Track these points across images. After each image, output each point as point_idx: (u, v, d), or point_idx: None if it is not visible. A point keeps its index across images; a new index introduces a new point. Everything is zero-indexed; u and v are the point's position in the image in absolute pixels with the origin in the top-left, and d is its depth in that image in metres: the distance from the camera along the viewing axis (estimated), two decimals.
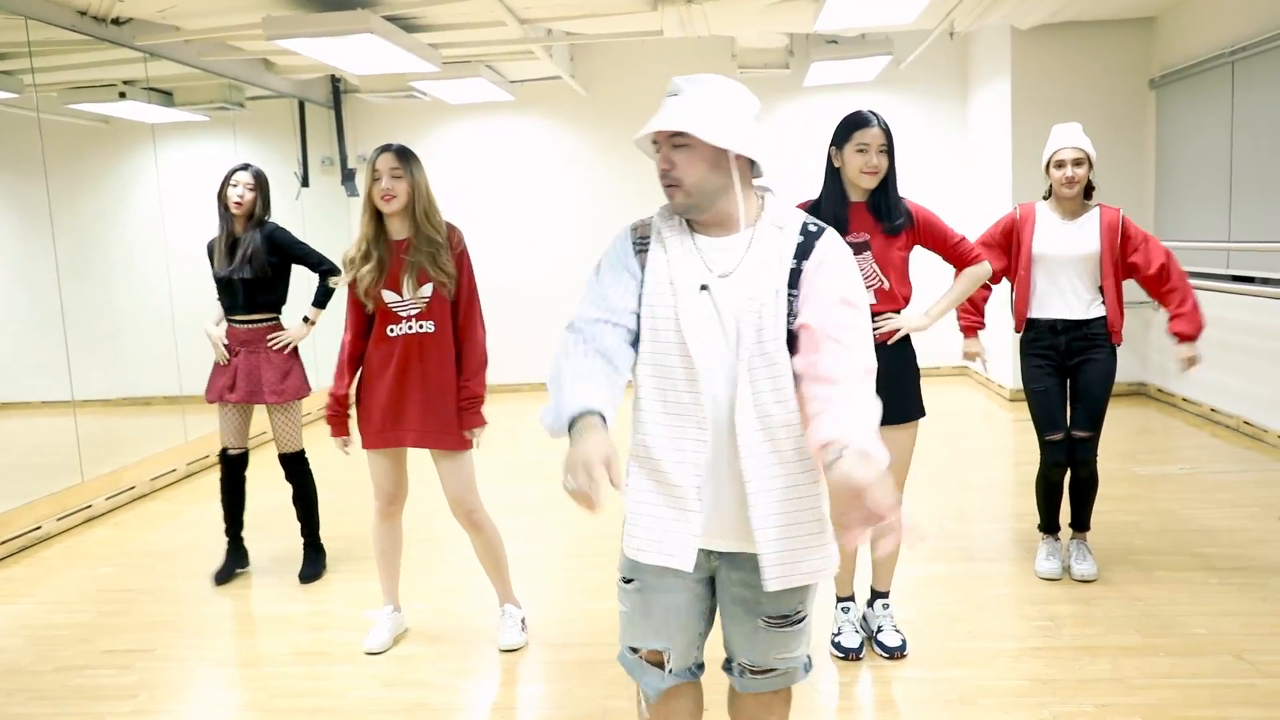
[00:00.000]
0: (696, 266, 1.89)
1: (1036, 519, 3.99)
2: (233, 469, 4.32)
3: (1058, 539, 3.96)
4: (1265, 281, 5.55)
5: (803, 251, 1.88)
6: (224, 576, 4.28)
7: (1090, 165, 3.69)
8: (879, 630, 3.31)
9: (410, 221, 3.29)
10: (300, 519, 4.37)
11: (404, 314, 3.28)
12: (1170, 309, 3.70)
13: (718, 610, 2.04)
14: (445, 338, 3.31)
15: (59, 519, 5.11)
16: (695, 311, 1.86)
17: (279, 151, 8.00)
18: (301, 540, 4.37)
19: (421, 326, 3.28)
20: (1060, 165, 3.68)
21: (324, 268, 4.28)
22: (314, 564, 4.31)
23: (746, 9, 6.01)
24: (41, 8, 5.13)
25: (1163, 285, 3.70)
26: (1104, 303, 3.71)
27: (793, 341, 1.84)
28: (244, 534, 4.40)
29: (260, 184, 4.19)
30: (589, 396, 1.78)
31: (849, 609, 3.36)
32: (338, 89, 8.62)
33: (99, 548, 4.88)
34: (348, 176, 8.60)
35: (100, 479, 5.47)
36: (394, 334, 3.29)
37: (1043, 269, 3.73)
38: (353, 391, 3.46)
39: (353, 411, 3.45)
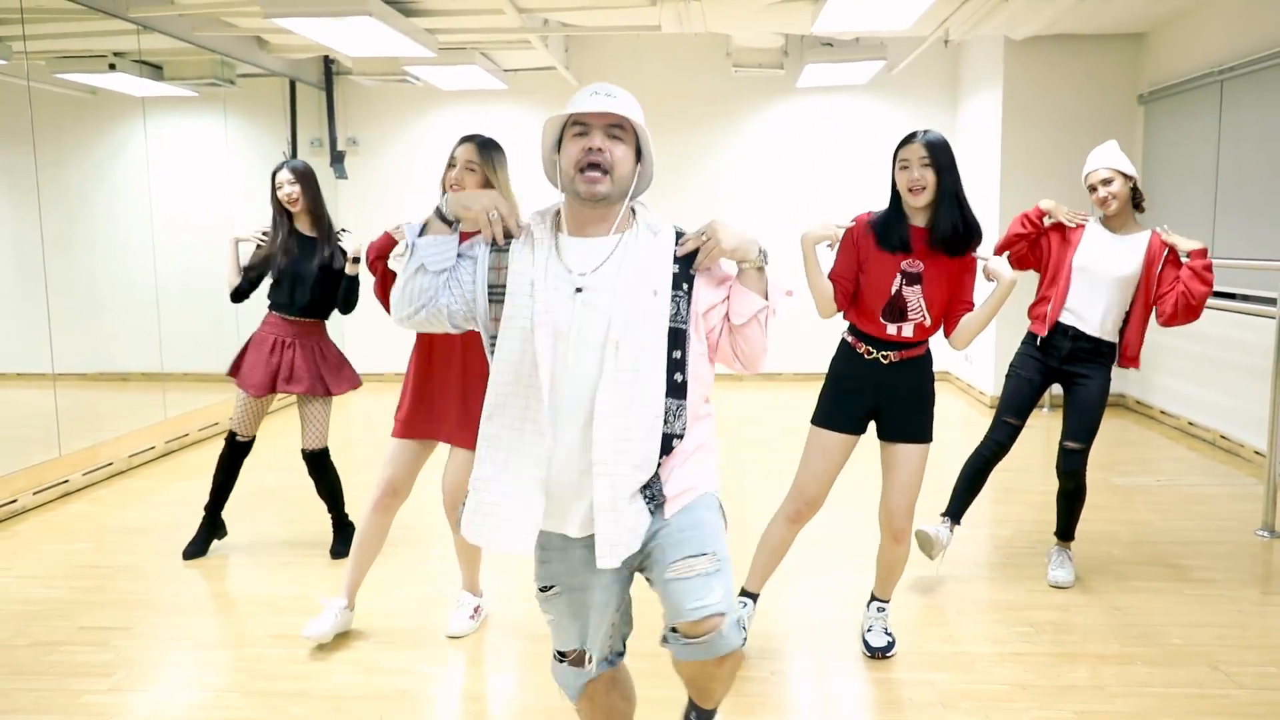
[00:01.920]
0: (556, 267, 1.97)
1: (1018, 525, 4.03)
2: (236, 454, 4.29)
3: (951, 530, 3.94)
4: (1246, 298, 5.61)
5: (685, 257, 2.01)
6: (195, 551, 4.26)
7: (1126, 179, 3.68)
8: (868, 629, 3.33)
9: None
10: (328, 505, 4.37)
11: None
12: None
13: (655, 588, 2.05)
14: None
15: (35, 493, 5.05)
16: (559, 313, 1.93)
17: (268, 130, 7.94)
18: (330, 521, 4.39)
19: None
20: (1093, 188, 3.72)
21: (351, 290, 4.18)
22: (348, 541, 4.19)
23: (745, 8, 6.02)
24: None
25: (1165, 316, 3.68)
26: (1122, 329, 3.72)
27: (677, 340, 1.97)
28: (223, 514, 4.38)
29: (301, 177, 4.10)
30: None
31: (884, 609, 3.38)
32: (330, 70, 8.55)
33: (75, 523, 4.83)
34: (336, 158, 8.54)
35: (78, 454, 5.41)
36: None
37: (1082, 280, 3.71)
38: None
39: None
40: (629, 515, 1.94)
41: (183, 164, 6.61)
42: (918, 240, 3.01)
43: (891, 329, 3.06)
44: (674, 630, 1.98)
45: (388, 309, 3.34)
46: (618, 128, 1.96)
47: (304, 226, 4.15)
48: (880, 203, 3.13)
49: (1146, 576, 3.95)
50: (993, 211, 7.39)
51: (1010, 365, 3.92)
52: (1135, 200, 3.73)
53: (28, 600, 3.83)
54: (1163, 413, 6.89)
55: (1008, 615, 3.61)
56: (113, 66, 6.07)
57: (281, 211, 4.12)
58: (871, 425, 3.21)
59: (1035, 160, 7.31)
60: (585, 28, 6.86)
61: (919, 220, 3.02)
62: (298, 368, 4.13)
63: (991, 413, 4.05)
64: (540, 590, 2.12)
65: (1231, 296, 5.78)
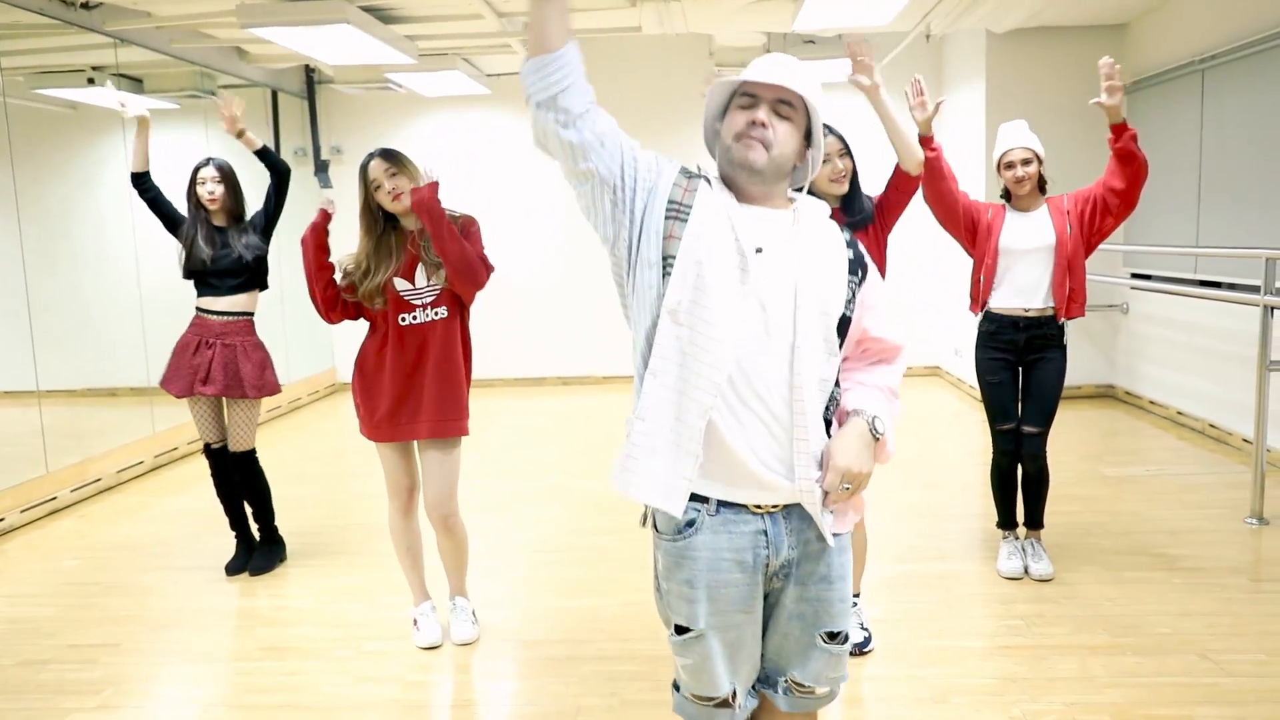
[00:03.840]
0: (730, 232, 1.77)
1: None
2: (220, 462, 4.27)
3: (1017, 536, 4.01)
4: (1232, 287, 5.62)
5: (855, 248, 1.89)
6: (235, 568, 4.26)
7: (1040, 161, 3.78)
8: None
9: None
10: (254, 514, 4.34)
11: (418, 302, 3.27)
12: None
13: (767, 629, 1.92)
14: (454, 324, 3.32)
15: (22, 510, 5.03)
16: (736, 281, 1.74)
17: None
18: (256, 536, 4.37)
19: (435, 314, 3.29)
20: (1010, 166, 3.79)
21: (270, 154, 4.25)
22: (269, 557, 4.29)
23: (725, 7, 6.02)
24: None
25: (1112, 184, 3.70)
26: (1055, 294, 3.76)
27: (843, 327, 1.82)
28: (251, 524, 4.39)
29: (225, 176, 4.14)
30: None
31: (855, 603, 3.38)
32: (312, 79, 8.54)
33: (63, 540, 4.81)
34: (320, 168, 8.53)
35: (65, 470, 5.39)
36: (406, 323, 3.27)
37: (1006, 261, 3.80)
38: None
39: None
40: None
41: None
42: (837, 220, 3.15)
43: None
44: (789, 682, 1.89)
45: (322, 310, 3.37)
46: (787, 104, 1.80)
47: (219, 220, 4.15)
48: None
49: (1135, 566, 3.96)
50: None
51: (978, 374, 3.95)
52: (1041, 180, 3.81)
53: (15, 619, 3.81)
54: (1152, 403, 6.90)
55: (996, 609, 3.61)
56: (92, 81, 6.05)
57: (198, 206, 4.12)
58: None
59: None
60: None
61: (832, 203, 3.18)
62: (214, 371, 4.10)
63: (980, 405, 4.06)
64: (679, 632, 1.85)
65: (1217, 285, 5.79)
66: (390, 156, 3.29)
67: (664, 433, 1.75)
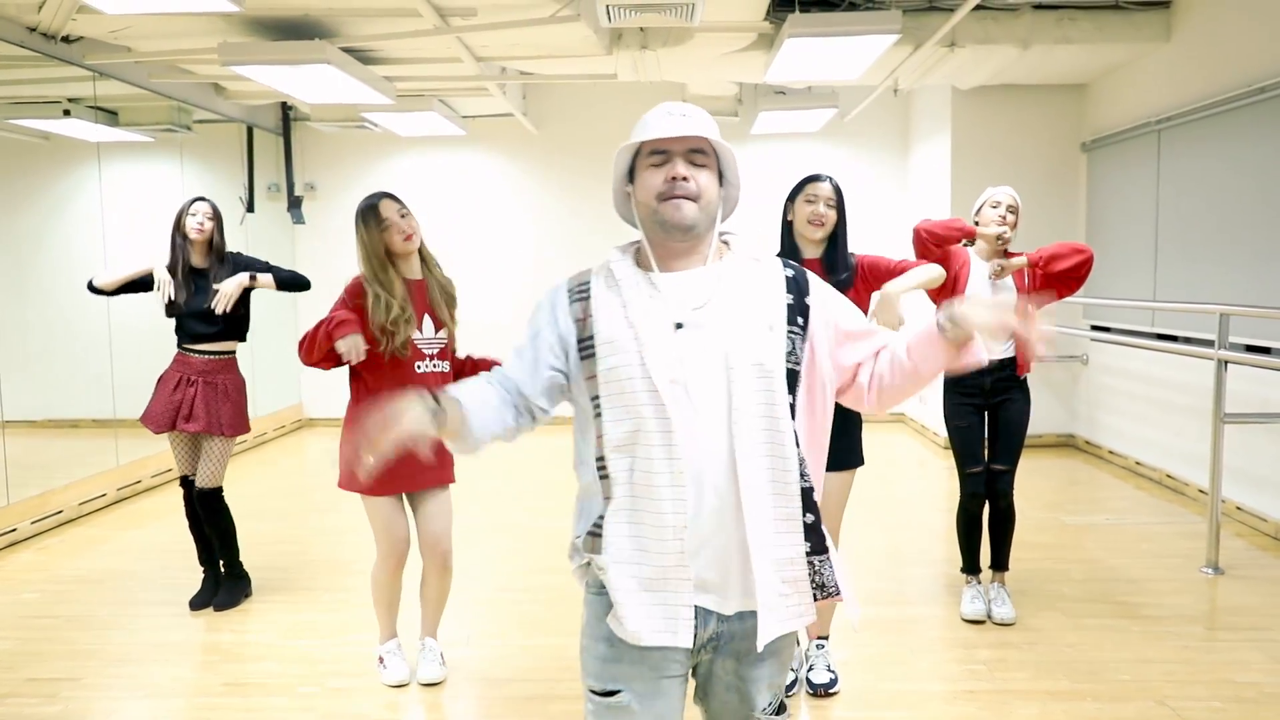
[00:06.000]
0: (658, 305, 1.71)
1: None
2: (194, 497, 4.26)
3: (980, 581, 4.06)
4: (1188, 340, 5.77)
5: (796, 287, 1.78)
6: (200, 602, 4.22)
7: (1018, 219, 3.89)
8: (809, 669, 3.36)
9: (420, 262, 3.33)
10: (220, 550, 4.30)
11: (428, 352, 3.29)
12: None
13: (702, 701, 1.86)
14: (450, 379, 3.28)
15: None
16: (670, 353, 1.67)
17: (225, 176, 7.93)
18: (222, 570, 4.33)
19: (438, 366, 3.31)
20: (996, 205, 3.88)
21: (281, 273, 4.22)
22: (233, 593, 4.26)
23: (699, 57, 6.15)
24: None
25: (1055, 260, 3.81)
26: (1016, 349, 3.86)
27: (793, 383, 1.71)
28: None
29: (217, 216, 4.19)
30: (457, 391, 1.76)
31: (823, 645, 3.41)
32: (288, 116, 8.58)
33: (23, 573, 4.73)
34: (294, 204, 8.54)
35: (26, 502, 5.32)
36: (423, 370, 3.26)
37: None
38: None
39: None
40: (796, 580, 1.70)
41: (138, 209, 6.58)
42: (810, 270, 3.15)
43: None
44: None
45: (316, 363, 3.35)
46: (699, 152, 1.74)
47: (199, 259, 4.16)
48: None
49: (1096, 614, 4.02)
50: None
51: (946, 419, 4.02)
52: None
53: None
54: (1111, 452, 7.03)
55: (959, 653, 3.66)
56: (68, 113, 6.06)
57: (184, 238, 4.12)
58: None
59: None
60: (542, 76, 6.96)
61: (810, 252, 3.22)
62: (196, 407, 4.11)
63: (945, 453, 4.13)
64: (598, 694, 1.76)
65: (1173, 339, 5.95)
66: (396, 198, 3.32)
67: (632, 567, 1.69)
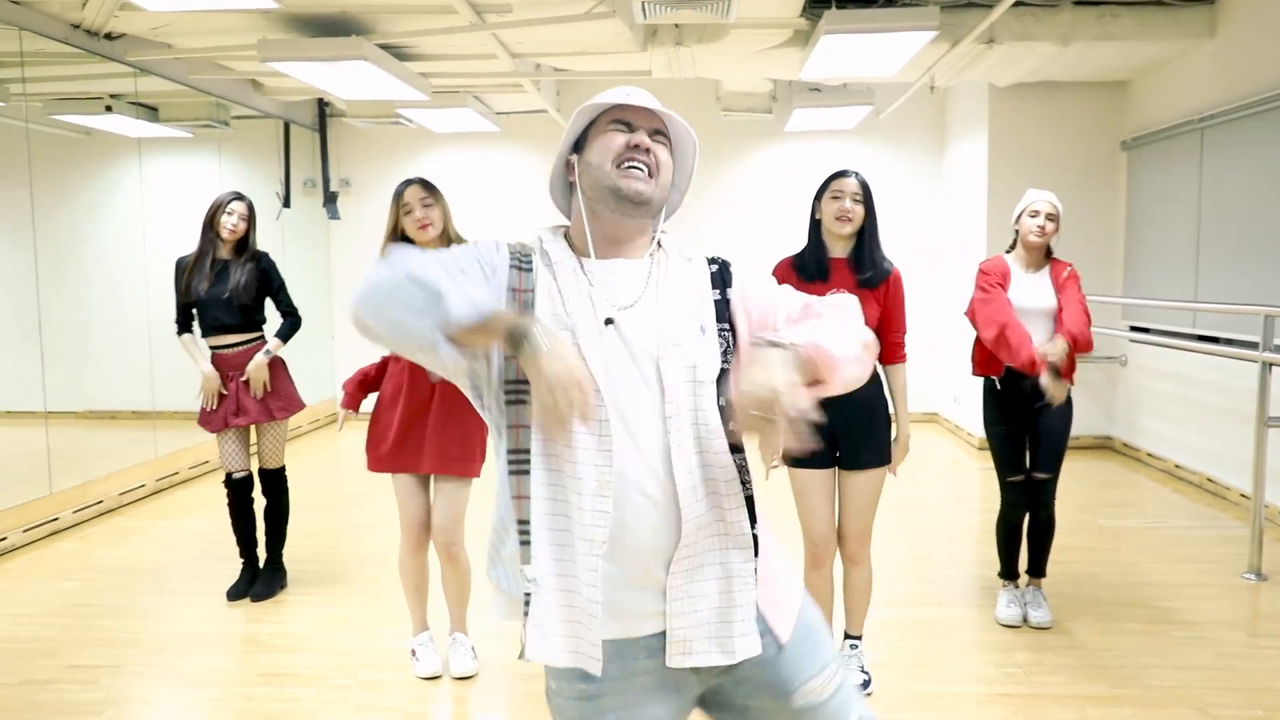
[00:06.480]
0: (585, 297, 1.58)
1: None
2: (241, 493, 4.30)
3: (1018, 586, 4.02)
4: (1230, 342, 5.68)
5: (720, 281, 1.68)
6: (236, 593, 4.26)
7: (1058, 226, 3.81)
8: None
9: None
10: (268, 535, 4.37)
11: None
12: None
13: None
14: None
15: (25, 530, 5.04)
16: (599, 352, 1.54)
17: (262, 171, 8.01)
18: (260, 562, 4.38)
19: None
20: (1034, 214, 3.80)
21: (289, 318, 4.33)
22: (270, 583, 4.31)
23: (735, 54, 6.13)
24: (36, 19, 5.14)
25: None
26: None
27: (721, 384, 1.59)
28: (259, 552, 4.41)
29: (252, 215, 4.25)
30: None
31: (856, 646, 3.39)
32: (324, 112, 8.65)
33: (65, 561, 4.81)
34: (329, 199, 8.61)
35: (68, 492, 5.41)
36: None
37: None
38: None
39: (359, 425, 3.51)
40: (739, 604, 1.56)
41: (177, 204, 6.66)
42: (837, 270, 3.15)
43: None
44: None
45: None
46: (661, 134, 1.65)
47: (227, 253, 4.22)
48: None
49: (1133, 618, 3.97)
50: (977, 254, 7.47)
51: (985, 425, 3.96)
52: (1048, 246, 3.88)
53: (16, 638, 3.81)
54: (1149, 455, 6.93)
55: (994, 656, 3.62)
56: (109, 108, 6.14)
57: (215, 234, 4.19)
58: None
59: None
60: (577, 73, 6.97)
61: (838, 251, 3.19)
62: (244, 401, 4.21)
63: (979, 453, 4.08)
64: (568, 683, 1.60)
65: (1215, 340, 5.85)
66: (428, 186, 3.36)
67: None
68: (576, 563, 1.51)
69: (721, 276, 1.68)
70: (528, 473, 1.54)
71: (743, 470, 1.58)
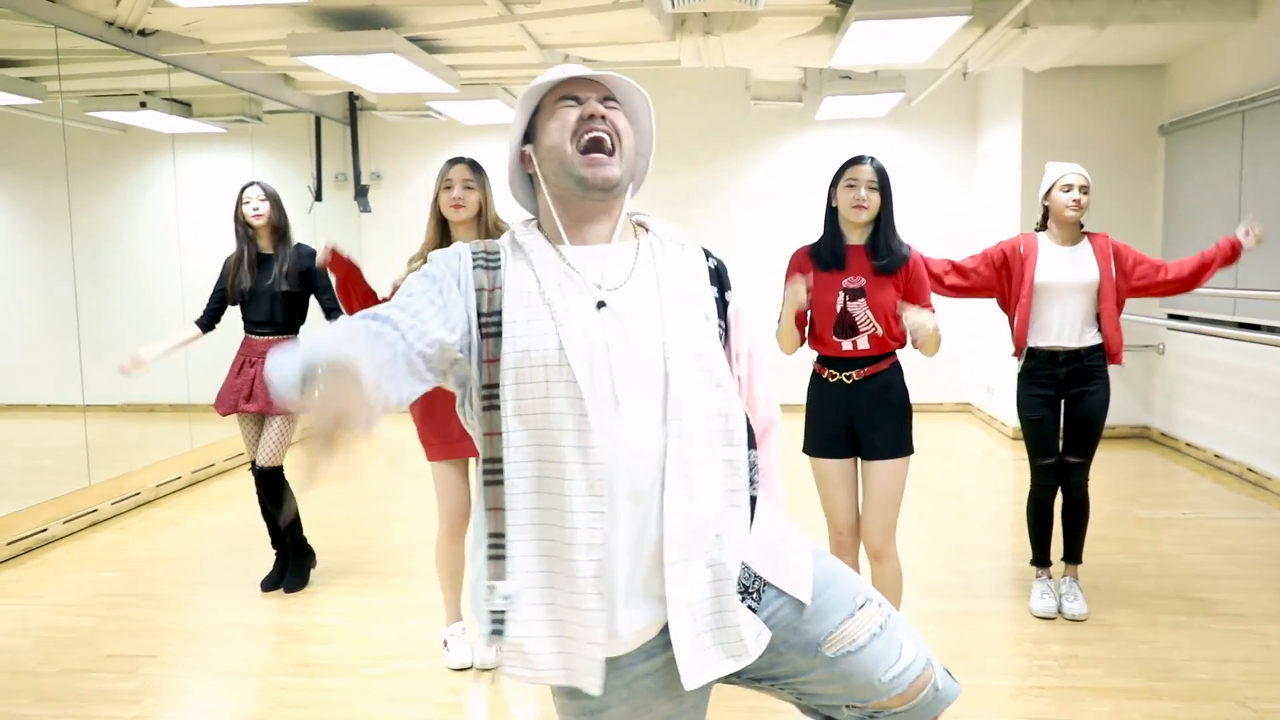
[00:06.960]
0: (570, 284, 1.52)
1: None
2: (263, 481, 4.32)
3: (1050, 575, 3.98)
4: (1271, 329, 5.58)
5: (719, 280, 1.64)
6: (270, 584, 4.30)
7: (1088, 199, 3.76)
8: None
9: (478, 234, 3.35)
10: (277, 535, 4.38)
11: None
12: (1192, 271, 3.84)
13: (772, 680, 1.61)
14: None
15: (65, 522, 5.13)
16: (591, 338, 1.47)
17: (294, 165, 8.07)
18: (290, 549, 4.40)
19: None
20: (1068, 189, 3.73)
21: (333, 315, 4.30)
22: (301, 571, 4.33)
23: (764, 42, 6.09)
24: (70, 17, 5.20)
25: (1172, 274, 3.81)
26: (1100, 330, 3.74)
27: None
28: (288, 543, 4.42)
29: (270, 196, 4.23)
30: (348, 346, 1.29)
31: None
32: (354, 106, 8.70)
33: (104, 552, 4.89)
34: (360, 193, 8.67)
35: (107, 484, 5.49)
36: None
37: (1044, 298, 3.75)
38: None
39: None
40: (736, 613, 1.50)
41: (211, 198, 6.73)
42: (854, 257, 3.12)
43: (846, 345, 3.11)
44: (877, 713, 1.59)
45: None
46: (613, 100, 1.59)
47: (265, 243, 4.23)
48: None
49: (1172, 610, 3.91)
50: None
51: (1019, 410, 3.91)
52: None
53: (57, 628, 3.88)
54: (1188, 445, 6.83)
55: (1029, 648, 3.59)
56: (144, 105, 6.21)
57: (245, 226, 4.20)
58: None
59: None
60: (605, 63, 6.95)
61: (855, 238, 3.15)
62: (256, 387, 4.18)
63: (1013, 443, 4.04)
64: (573, 698, 1.53)
65: (1256, 328, 5.75)
66: (475, 168, 3.36)
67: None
68: (567, 571, 1.44)
69: (719, 275, 1.65)
70: (501, 483, 1.47)
71: (751, 468, 1.56)
